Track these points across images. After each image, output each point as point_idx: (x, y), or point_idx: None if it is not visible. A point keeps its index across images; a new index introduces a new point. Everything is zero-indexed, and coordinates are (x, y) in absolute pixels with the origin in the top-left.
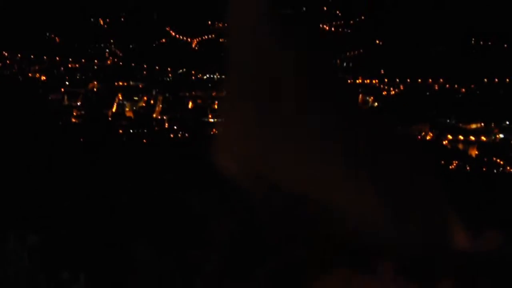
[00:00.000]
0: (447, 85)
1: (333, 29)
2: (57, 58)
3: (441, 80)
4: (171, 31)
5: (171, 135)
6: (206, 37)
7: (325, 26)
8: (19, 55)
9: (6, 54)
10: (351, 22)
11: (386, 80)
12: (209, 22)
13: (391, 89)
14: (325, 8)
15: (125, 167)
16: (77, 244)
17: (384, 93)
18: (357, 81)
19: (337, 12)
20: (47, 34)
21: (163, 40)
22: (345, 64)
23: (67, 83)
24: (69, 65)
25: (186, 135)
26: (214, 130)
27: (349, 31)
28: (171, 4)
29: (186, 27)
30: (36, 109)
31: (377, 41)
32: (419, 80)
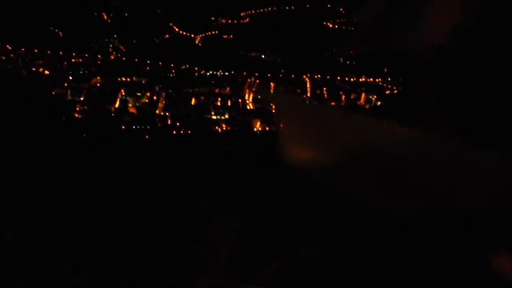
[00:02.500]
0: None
1: (336, 26)
2: (61, 53)
3: None
4: (174, 27)
5: (174, 132)
6: (209, 33)
7: (328, 24)
8: (22, 49)
9: (9, 48)
10: (354, 20)
11: (389, 78)
12: (213, 18)
13: (394, 87)
14: (328, 6)
15: (128, 162)
16: (79, 238)
17: (387, 92)
18: (360, 79)
19: (340, 9)
20: (51, 28)
21: (167, 35)
22: (348, 62)
23: (70, 77)
24: (73, 60)
25: (189, 131)
26: (216, 127)
27: (352, 28)
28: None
29: (190, 23)
30: (39, 104)
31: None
32: None
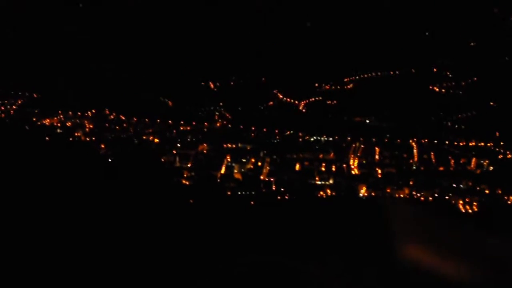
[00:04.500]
0: None
1: (443, 90)
2: (170, 122)
3: None
4: (278, 94)
5: (279, 197)
6: (313, 99)
7: (435, 88)
8: (134, 119)
9: (123, 118)
10: (463, 83)
11: (502, 143)
12: (316, 85)
13: (507, 152)
14: (434, 70)
15: (234, 228)
16: None
17: (500, 156)
18: (470, 143)
19: (447, 73)
20: (161, 98)
21: (271, 102)
22: (456, 126)
23: (178, 145)
24: (181, 128)
25: (294, 197)
26: (321, 192)
27: (460, 92)
28: (278, 67)
29: (294, 90)
30: (149, 171)
31: (491, 103)
32: None
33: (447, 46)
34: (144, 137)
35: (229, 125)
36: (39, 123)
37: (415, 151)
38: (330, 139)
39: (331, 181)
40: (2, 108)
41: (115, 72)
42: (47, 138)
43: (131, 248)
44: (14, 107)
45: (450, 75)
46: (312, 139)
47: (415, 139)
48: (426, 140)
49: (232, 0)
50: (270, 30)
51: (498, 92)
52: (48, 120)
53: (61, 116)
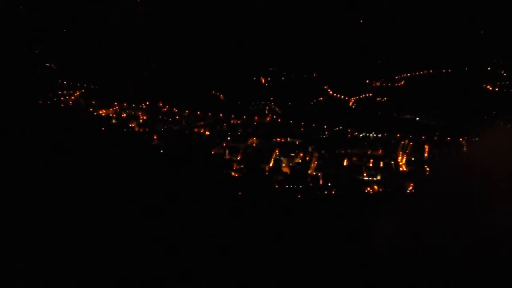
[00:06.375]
0: None
1: (496, 89)
2: (221, 115)
3: None
4: (328, 90)
5: (325, 192)
6: (363, 95)
7: (488, 87)
8: (187, 111)
9: (175, 110)
10: None
11: None
12: (367, 81)
13: None
14: (488, 69)
15: (280, 220)
16: None
17: None
18: None
19: (502, 72)
20: (213, 92)
21: (321, 98)
22: (509, 126)
23: (228, 138)
24: (231, 121)
25: (341, 192)
26: (368, 188)
27: None
28: (329, 63)
29: (343, 86)
30: (199, 163)
31: None
32: None
33: (502, 45)
34: (195, 130)
35: (279, 120)
36: (95, 113)
37: (465, 149)
38: (379, 135)
39: (378, 177)
40: (62, 99)
41: (169, 66)
42: (103, 128)
43: (181, 237)
44: (72, 98)
45: (505, 74)
46: (361, 135)
47: (465, 137)
48: (477, 139)
49: None
50: (321, 26)
51: None
52: (104, 111)
53: (117, 107)
